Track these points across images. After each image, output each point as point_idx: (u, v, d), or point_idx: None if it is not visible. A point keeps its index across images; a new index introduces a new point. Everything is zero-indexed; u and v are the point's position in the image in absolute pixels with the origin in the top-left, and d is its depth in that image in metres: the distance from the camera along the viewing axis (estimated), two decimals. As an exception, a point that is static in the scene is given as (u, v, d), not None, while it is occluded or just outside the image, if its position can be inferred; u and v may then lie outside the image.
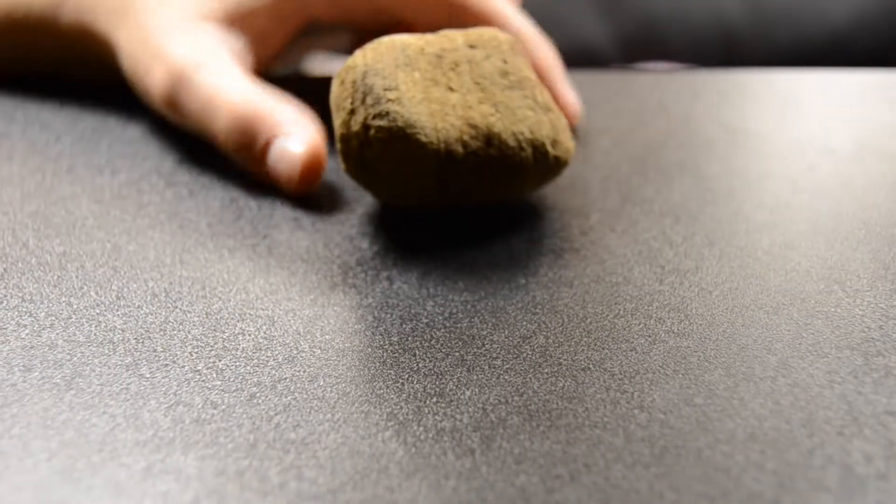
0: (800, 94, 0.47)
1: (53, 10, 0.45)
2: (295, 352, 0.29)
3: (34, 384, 0.27)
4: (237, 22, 0.42)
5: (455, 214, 0.36)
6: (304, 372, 0.28)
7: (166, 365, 0.28)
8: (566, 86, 0.42)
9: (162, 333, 0.30)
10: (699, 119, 0.45)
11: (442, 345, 0.29)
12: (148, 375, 0.28)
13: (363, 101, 0.34)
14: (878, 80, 0.49)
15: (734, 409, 0.26)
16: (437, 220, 0.36)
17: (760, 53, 0.67)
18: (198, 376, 0.28)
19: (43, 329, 0.30)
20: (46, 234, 0.35)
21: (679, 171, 0.40)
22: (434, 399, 0.27)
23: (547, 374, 0.28)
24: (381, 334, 0.30)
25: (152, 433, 0.26)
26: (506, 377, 0.28)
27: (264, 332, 0.30)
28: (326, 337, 0.30)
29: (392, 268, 0.33)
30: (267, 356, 0.29)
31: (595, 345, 0.29)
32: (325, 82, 0.48)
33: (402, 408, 0.27)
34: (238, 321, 0.30)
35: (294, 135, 0.37)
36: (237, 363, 0.28)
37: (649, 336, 0.30)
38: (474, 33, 0.36)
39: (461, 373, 0.28)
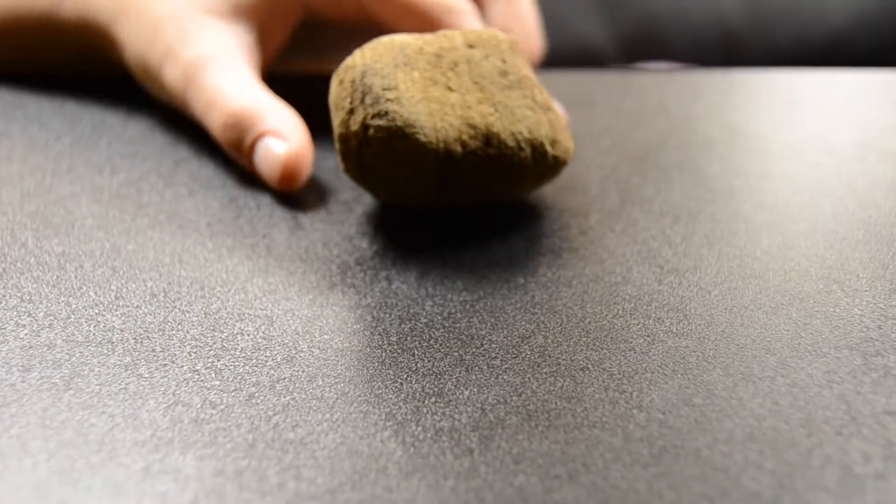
0: (800, 94, 0.47)
1: (55, 6, 0.45)
2: (294, 352, 0.29)
3: (33, 384, 0.27)
4: (242, 15, 0.42)
5: (454, 214, 0.36)
6: (303, 372, 0.28)
7: (165, 365, 0.28)
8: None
9: (161, 333, 0.30)
10: (699, 119, 0.45)
11: (441, 345, 0.29)
12: (147, 375, 0.28)
13: (362, 101, 0.34)
14: (878, 80, 0.49)
15: (733, 408, 0.26)
16: (436, 219, 0.36)
17: (760, 53, 0.67)
18: (196, 376, 0.28)
19: (42, 329, 0.30)
20: (45, 234, 0.35)
21: (679, 171, 0.40)
22: (433, 399, 0.27)
23: (546, 373, 0.28)
24: (379, 334, 0.30)
25: (151, 433, 0.26)
26: (504, 377, 0.28)
27: (263, 332, 0.30)
28: (325, 337, 0.30)
29: (391, 267, 0.33)
30: (266, 356, 0.29)
31: (594, 345, 0.29)
32: (324, 82, 0.48)
33: (400, 408, 0.27)
34: (237, 321, 0.30)
35: (279, 136, 0.37)
36: (236, 363, 0.28)
37: (648, 336, 0.30)
38: (473, 33, 0.35)
39: (460, 373, 0.28)
